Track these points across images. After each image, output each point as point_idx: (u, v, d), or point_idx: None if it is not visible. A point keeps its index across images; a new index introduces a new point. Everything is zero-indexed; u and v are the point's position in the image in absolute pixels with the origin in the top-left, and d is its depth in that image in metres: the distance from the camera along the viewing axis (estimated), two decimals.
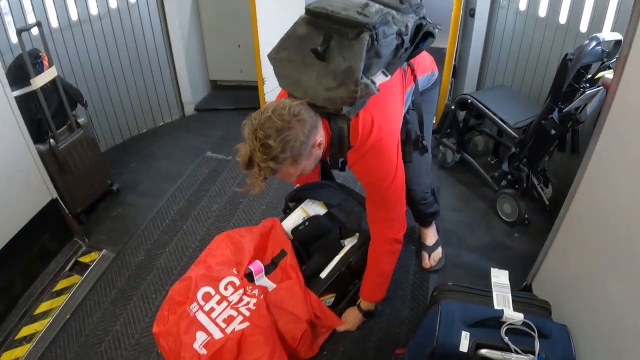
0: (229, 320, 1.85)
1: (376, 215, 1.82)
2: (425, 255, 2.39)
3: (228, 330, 1.81)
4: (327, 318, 2.04)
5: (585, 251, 1.68)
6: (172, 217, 2.74)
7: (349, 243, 2.09)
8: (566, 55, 2.16)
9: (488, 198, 2.83)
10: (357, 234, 2.08)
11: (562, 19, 2.59)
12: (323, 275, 2.06)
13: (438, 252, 2.42)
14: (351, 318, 2.10)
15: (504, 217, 2.68)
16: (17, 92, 2.27)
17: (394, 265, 1.93)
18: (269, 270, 2.08)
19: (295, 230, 2.13)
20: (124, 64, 3.26)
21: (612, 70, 2.13)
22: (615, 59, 2.18)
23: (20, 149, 2.22)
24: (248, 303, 1.90)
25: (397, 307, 2.18)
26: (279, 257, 2.09)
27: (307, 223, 2.13)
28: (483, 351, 1.41)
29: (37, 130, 2.41)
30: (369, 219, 1.86)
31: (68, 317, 2.21)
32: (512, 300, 1.55)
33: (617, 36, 2.16)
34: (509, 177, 2.66)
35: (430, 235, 2.43)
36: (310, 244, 2.15)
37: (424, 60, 1.96)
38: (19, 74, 2.30)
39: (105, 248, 2.56)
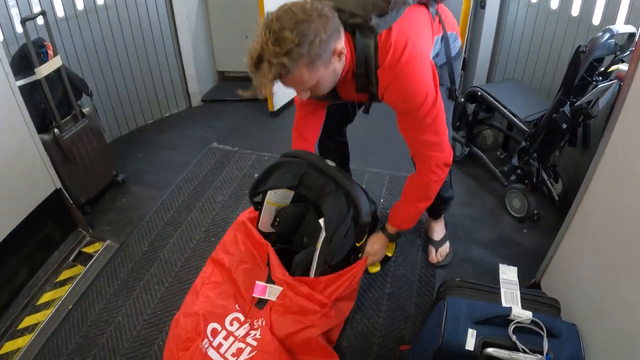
0: (238, 353, 1.81)
1: (423, 140, 1.66)
2: (432, 249, 2.34)
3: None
4: (347, 277, 1.88)
5: (597, 248, 1.63)
6: (176, 208, 2.73)
7: (323, 229, 1.91)
8: (579, 47, 2.12)
9: (497, 193, 2.79)
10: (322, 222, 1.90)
11: (575, 11, 2.53)
12: (311, 275, 1.96)
13: (446, 247, 2.37)
14: (378, 246, 2.00)
15: (512, 213, 2.64)
16: (22, 82, 2.25)
17: None
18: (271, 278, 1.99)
19: (273, 227, 2.04)
20: (130, 54, 3.23)
21: (626, 63, 2.08)
22: (628, 52, 2.13)
23: (24, 138, 2.20)
24: (255, 335, 1.86)
25: (402, 302, 2.15)
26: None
27: (278, 219, 2.01)
28: (490, 350, 1.37)
29: (42, 120, 2.39)
30: (414, 148, 1.71)
31: (70, 307, 2.19)
32: (521, 298, 1.51)
33: (631, 29, 2.11)
34: (519, 171, 2.62)
35: (438, 230, 2.39)
36: (294, 233, 2.06)
37: (450, 17, 1.86)
38: (23, 64, 2.28)
39: (109, 239, 2.54)
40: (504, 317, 1.42)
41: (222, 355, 1.81)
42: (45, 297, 2.27)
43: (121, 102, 3.31)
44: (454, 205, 2.63)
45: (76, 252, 2.48)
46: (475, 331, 1.40)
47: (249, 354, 1.78)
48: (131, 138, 3.42)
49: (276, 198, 2.02)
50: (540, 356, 1.36)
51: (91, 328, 2.10)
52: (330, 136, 2.29)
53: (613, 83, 2.14)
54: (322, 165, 1.90)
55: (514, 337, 1.38)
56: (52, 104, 2.37)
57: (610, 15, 2.34)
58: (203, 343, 1.83)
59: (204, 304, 1.95)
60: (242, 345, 1.82)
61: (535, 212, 2.55)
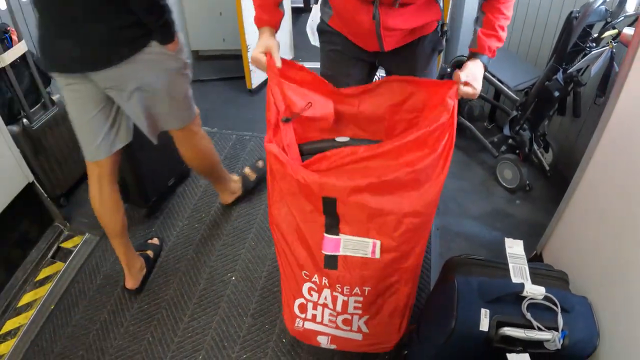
0: (347, 323, 1.67)
1: None
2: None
3: (355, 328, 1.68)
4: None
5: (604, 216, 1.58)
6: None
7: None
8: (571, 13, 2.08)
9: (487, 164, 2.74)
10: None
11: None
12: None
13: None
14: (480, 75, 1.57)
15: (504, 184, 2.60)
16: None
17: None
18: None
19: None
20: None
21: (631, 27, 2.03)
22: (621, 18, 2.10)
23: None
24: (346, 303, 1.62)
25: None
26: None
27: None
28: (505, 329, 1.31)
29: (9, 110, 2.24)
30: None
31: (52, 307, 2.08)
32: (529, 273, 1.45)
33: None
34: (510, 141, 2.57)
35: None
36: None
37: None
38: None
39: (88, 232, 2.42)
40: (516, 294, 1.36)
41: (322, 324, 1.69)
42: (26, 298, 2.15)
43: None
44: None
45: (55, 248, 2.37)
46: (488, 310, 1.33)
47: (359, 319, 1.65)
48: None
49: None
50: (556, 333, 1.30)
51: (76, 328, 2.00)
52: None
53: (605, 49, 2.09)
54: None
55: (528, 315, 1.32)
56: (19, 93, 2.22)
57: None
58: (296, 325, 1.72)
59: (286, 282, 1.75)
60: (349, 317, 1.65)
61: (528, 182, 2.52)
